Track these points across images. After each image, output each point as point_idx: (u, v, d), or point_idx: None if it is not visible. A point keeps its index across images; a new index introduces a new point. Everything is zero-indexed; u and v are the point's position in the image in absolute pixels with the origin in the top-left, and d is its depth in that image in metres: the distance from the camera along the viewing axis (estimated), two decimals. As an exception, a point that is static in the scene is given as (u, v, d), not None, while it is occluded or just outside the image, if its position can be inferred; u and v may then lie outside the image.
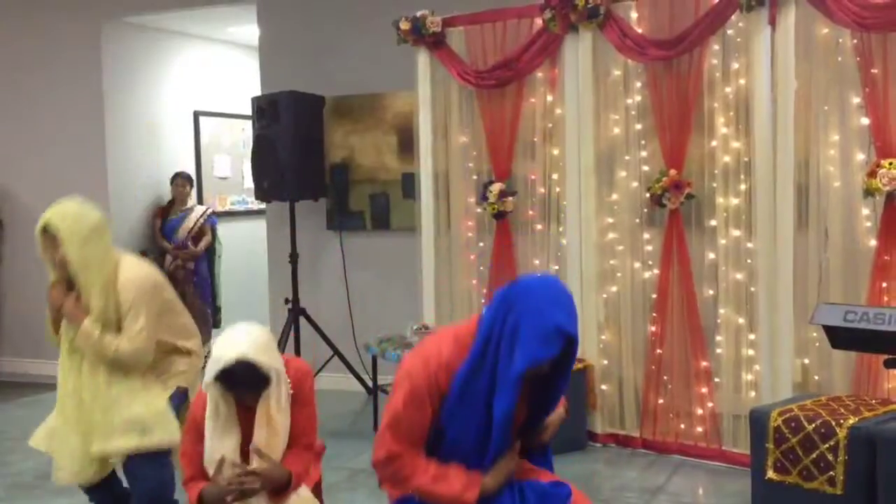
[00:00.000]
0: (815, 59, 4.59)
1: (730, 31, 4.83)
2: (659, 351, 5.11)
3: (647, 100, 5.10)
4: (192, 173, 7.99)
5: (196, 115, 8.24)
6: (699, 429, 5.00)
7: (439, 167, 5.84)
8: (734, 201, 4.87)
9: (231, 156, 8.64)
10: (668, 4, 4.99)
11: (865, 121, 4.46)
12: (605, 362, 5.32)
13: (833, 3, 4.35)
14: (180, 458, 3.03)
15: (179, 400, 3.65)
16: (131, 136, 7.62)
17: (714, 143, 4.92)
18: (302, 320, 6.48)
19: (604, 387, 5.32)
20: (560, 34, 5.27)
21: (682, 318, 5.02)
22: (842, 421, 3.70)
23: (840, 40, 4.51)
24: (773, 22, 4.59)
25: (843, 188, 4.54)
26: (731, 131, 4.87)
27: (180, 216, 7.67)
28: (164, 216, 7.72)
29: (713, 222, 4.95)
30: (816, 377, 4.67)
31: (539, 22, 5.34)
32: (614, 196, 5.29)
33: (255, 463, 2.85)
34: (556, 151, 5.46)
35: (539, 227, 5.56)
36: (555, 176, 5.47)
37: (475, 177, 5.75)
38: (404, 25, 5.71)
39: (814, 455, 3.73)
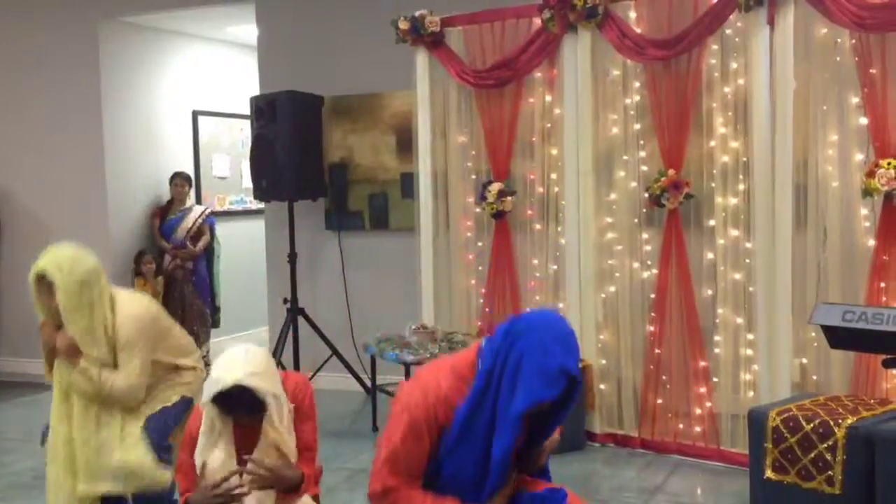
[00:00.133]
0: (814, 59, 4.59)
1: (728, 31, 4.83)
2: (657, 351, 5.11)
3: (646, 100, 5.10)
4: (191, 173, 7.98)
5: (195, 114, 8.23)
6: (698, 428, 5.00)
7: (438, 167, 5.84)
8: (733, 201, 4.87)
9: (230, 155, 8.64)
10: (666, 4, 4.99)
11: (864, 121, 4.46)
12: (604, 362, 5.32)
13: (832, 3, 4.35)
14: (176, 472, 3.05)
15: (185, 407, 3.67)
16: (130, 135, 7.61)
17: (713, 142, 4.92)
18: (301, 320, 6.47)
19: (602, 386, 5.32)
20: (559, 34, 5.27)
21: (681, 317, 5.03)
22: (840, 421, 3.70)
23: (839, 40, 4.51)
24: (771, 22, 4.60)
25: (841, 188, 4.54)
26: (729, 131, 4.87)
27: (179, 216, 7.66)
28: (163, 216, 7.71)
29: (712, 222, 4.96)
30: (815, 377, 4.67)
31: (538, 22, 5.34)
32: (613, 196, 5.29)
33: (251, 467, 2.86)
34: (554, 151, 5.46)
35: (538, 226, 5.56)
36: (553, 176, 5.48)
37: (474, 176, 5.75)
38: (403, 25, 5.71)
39: (812, 455, 3.74)
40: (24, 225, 7.76)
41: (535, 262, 5.59)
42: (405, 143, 6.29)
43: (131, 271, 7.59)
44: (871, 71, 4.39)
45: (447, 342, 5.24)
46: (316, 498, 3.07)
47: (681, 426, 5.07)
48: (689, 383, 5.02)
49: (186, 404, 3.68)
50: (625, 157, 5.23)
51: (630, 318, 5.24)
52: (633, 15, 5.12)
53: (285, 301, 6.49)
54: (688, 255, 5.01)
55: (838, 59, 4.53)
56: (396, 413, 2.54)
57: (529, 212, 5.59)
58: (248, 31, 7.54)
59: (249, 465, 2.80)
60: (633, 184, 5.20)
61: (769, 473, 3.87)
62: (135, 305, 3.61)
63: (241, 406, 2.80)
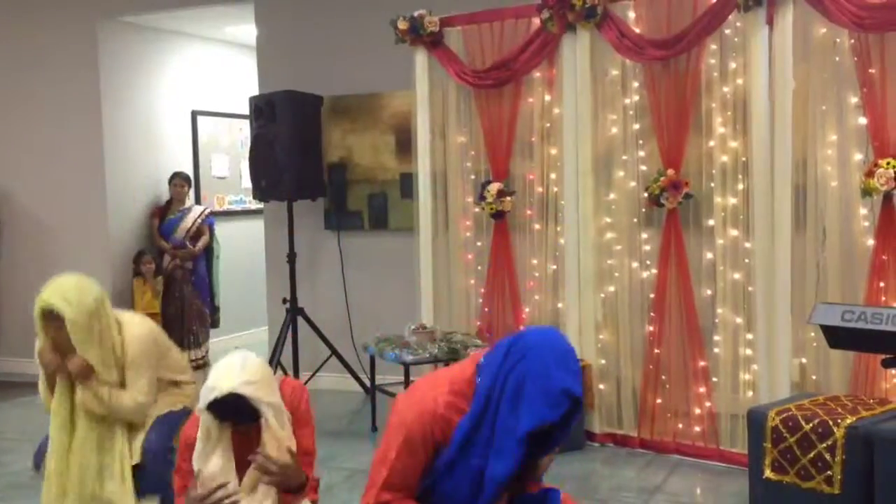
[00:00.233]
0: (813, 59, 4.60)
1: (727, 31, 4.83)
2: (657, 351, 5.11)
3: (645, 100, 5.10)
4: (190, 173, 7.98)
5: (194, 114, 8.23)
6: (697, 428, 5.00)
7: (437, 167, 5.84)
8: (732, 201, 4.87)
9: (229, 155, 8.63)
10: (665, 4, 4.99)
11: (863, 120, 4.46)
12: (603, 362, 5.32)
13: (831, 2, 4.35)
14: (174, 475, 3.06)
15: (187, 414, 3.70)
16: (129, 135, 7.61)
17: (712, 142, 4.92)
18: (300, 320, 6.48)
19: (602, 386, 5.32)
20: (558, 34, 5.27)
21: (680, 317, 5.03)
22: (839, 420, 3.71)
23: (838, 40, 4.51)
24: (770, 22, 4.60)
25: (840, 188, 4.54)
26: (728, 131, 4.87)
27: (178, 216, 7.66)
28: (162, 216, 7.70)
29: (711, 222, 4.96)
30: (814, 377, 4.67)
31: (537, 22, 5.34)
32: (612, 196, 5.29)
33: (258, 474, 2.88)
34: (553, 151, 5.46)
35: (537, 226, 5.57)
36: (553, 176, 5.48)
37: (473, 176, 5.75)
38: (402, 25, 5.71)
39: (811, 455, 3.74)
40: (24, 225, 7.76)
41: (535, 262, 5.59)
42: (404, 143, 6.29)
43: (131, 271, 7.60)
44: (870, 71, 4.39)
45: (446, 342, 5.24)
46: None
47: (680, 426, 5.07)
48: (688, 383, 5.02)
49: (189, 412, 3.72)
50: (624, 157, 5.23)
51: (629, 318, 5.24)
52: (632, 15, 5.12)
53: (284, 301, 6.49)
54: (687, 254, 5.01)
55: (837, 58, 4.53)
56: (392, 429, 2.53)
57: (529, 212, 5.59)
58: (247, 30, 7.53)
59: (259, 459, 2.81)
60: (633, 184, 5.20)
61: (768, 473, 3.87)
62: (140, 326, 3.70)
63: (236, 414, 2.82)
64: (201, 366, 7.51)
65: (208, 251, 7.84)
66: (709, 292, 5.00)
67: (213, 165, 8.46)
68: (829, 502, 3.69)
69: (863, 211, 4.52)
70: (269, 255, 6.97)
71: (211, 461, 2.87)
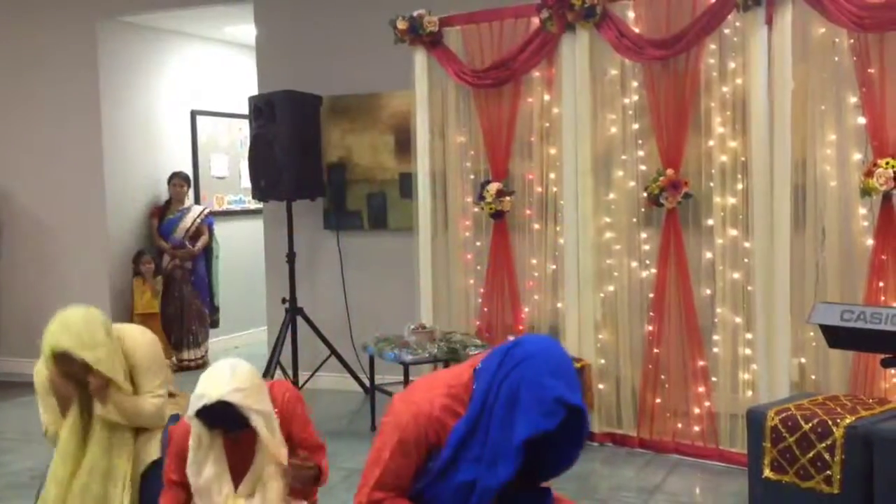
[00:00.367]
0: (812, 59, 4.60)
1: (726, 31, 4.82)
2: (656, 350, 5.11)
3: (645, 99, 5.10)
4: (190, 173, 7.98)
5: (193, 114, 8.23)
6: (696, 428, 5.00)
7: (436, 167, 5.84)
8: (731, 201, 4.87)
9: (228, 155, 8.63)
10: (664, 4, 4.99)
11: (862, 120, 4.46)
12: (603, 362, 5.32)
13: (830, 2, 4.35)
14: (163, 494, 3.07)
15: (174, 421, 3.71)
16: (128, 135, 7.61)
17: (711, 142, 4.92)
18: (299, 320, 6.47)
19: (601, 386, 5.32)
20: (557, 34, 5.26)
21: (680, 317, 5.03)
22: (838, 420, 3.71)
23: (837, 40, 4.51)
24: (769, 21, 4.60)
25: (839, 188, 4.54)
26: (728, 131, 4.87)
27: (177, 216, 7.66)
28: (162, 216, 7.71)
29: (710, 222, 4.96)
30: (813, 376, 4.67)
31: (536, 21, 5.34)
32: (611, 195, 5.29)
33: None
34: (553, 151, 5.46)
35: (536, 226, 5.56)
36: (552, 175, 5.47)
37: (472, 176, 5.75)
38: (401, 25, 5.71)
39: (811, 454, 3.74)
40: (24, 225, 7.76)
41: (534, 261, 5.59)
42: (404, 143, 6.29)
43: (130, 271, 7.60)
44: (869, 70, 4.39)
45: (446, 342, 5.24)
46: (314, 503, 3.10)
47: (679, 426, 5.07)
48: (687, 383, 5.03)
49: (177, 418, 3.72)
50: (623, 157, 5.23)
51: (629, 318, 5.24)
52: (631, 14, 5.12)
53: (284, 301, 6.49)
54: (686, 254, 5.01)
55: (836, 58, 4.53)
56: (387, 429, 2.54)
57: (528, 211, 5.58)
58: (246, 30, 7.53)
59: (296, 462, 2.89)
60: (632, 183, 5.20)
61: (767, 473, 3.87)
62: (143, 334, 3.68)
63: (225, 421, 2.81)
64: (200, 365, 7.52)
65: (207, 251, 7.85)
66: (708, 292, 5.00)
67: (213, 165, 8.46)
68: (828, 502, 3.68)
69: (862, 211, 4.52)
70: (269, 254, 6.97)
71: (205, 470, 2.87)
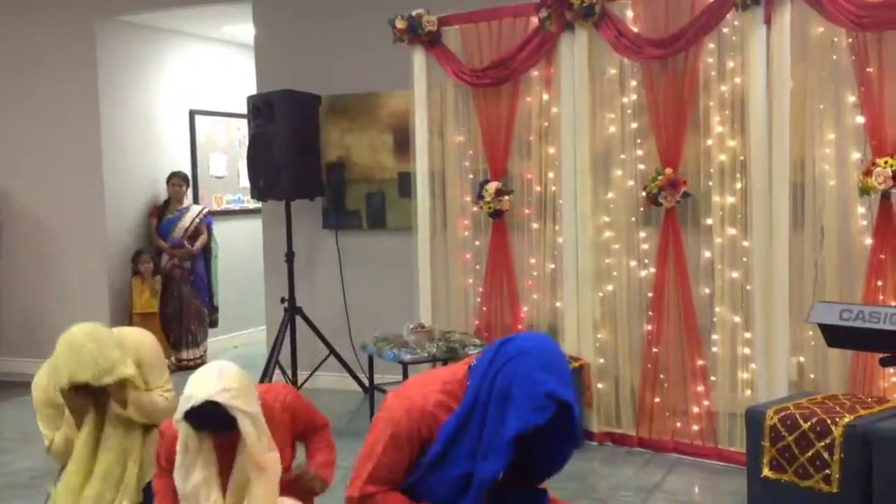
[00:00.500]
0: (811, 58, 4.60)
1: (725, 30, 4.83)
2: (655, 349, 5.11)
3: (643, 98, 5.10)
4: (188, 172, 7.98)
5: (192, 113, 8.22)
6: (695, 427, 5.01)
7: (435, 166, 5.84)
8: (730, 200, 4.87)
9: (227, 155, 8.63)
10: (663, 3, 4.99)
11: (861, 119, 4.46)
12: (602, 361, 5.33)
13: (829, 1, 4.35)
14: (153, 484, 3.06)
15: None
16: (127, 135, 7.61)
17: (710, 141, 4.92)
18: (298, 319, 6.47)
19: (600, 385, 5.32)
20: (556, 33, 5.26)
21: (679, 316, 5.03)
22: (837, 419, 3.71)
23: (835, 39, 4.51)
24: (768, 21, 4.60)
25: (838, 187, 4.55)
26: (726, 130, 4.87)
27: (176, 215, 7.66)
28: (160, 215, 7.71)
29: (709, 221, 4.96)
30: (812, 375, 4.67)
31: (535, 21, 5.34)
32: (610, 195, 5.29)
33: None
34: (552, 150, 5.46)
35: (535, 225, 5.57)
36: (551, 175, 5.47)
37: (471, 176, 5.75)
38: (400, 24, 5.71)
39: (809, 453, 3.74)
40: (23, 225, 7.76)
41: (533, 261, 5.60)
42: (402, 143, 6.29)
43: (129, 271, 7.59)
44: (867, 70, 4.39)
45: (444, 341, 5.24)
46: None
47: (678, 425, 5.07)
48: (686, 382, 5.03)
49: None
50: (622, 156, 5.23)
51: (628, 317, 5.24)
52: (629, 14, 5.12)
53: (283, 300, 6.49)
54: (685, 253, 5.02)
55: (835, 57, 4.53)
56: (380, 423, 2.55)
57: (527, 211, 5.59)
58: (245, 30, 7.53)
59: (304, 473, 3.00)
60: (631, 183, 5.20)
61: (766, 472, 3.87)
62: (144, 334, 3.71)
63: (212, 422, 2.79)
64: (199, 365, 7.50)
65: (206, 250, 7.85)
66: (707, 291, 5.00)
67: (212, 165, 8.46)
68: (827, 501, 3.69)
69: (861, 210, 4.52)
70: (268, 254, 6.97)
71: (193, 475, 2.84)
